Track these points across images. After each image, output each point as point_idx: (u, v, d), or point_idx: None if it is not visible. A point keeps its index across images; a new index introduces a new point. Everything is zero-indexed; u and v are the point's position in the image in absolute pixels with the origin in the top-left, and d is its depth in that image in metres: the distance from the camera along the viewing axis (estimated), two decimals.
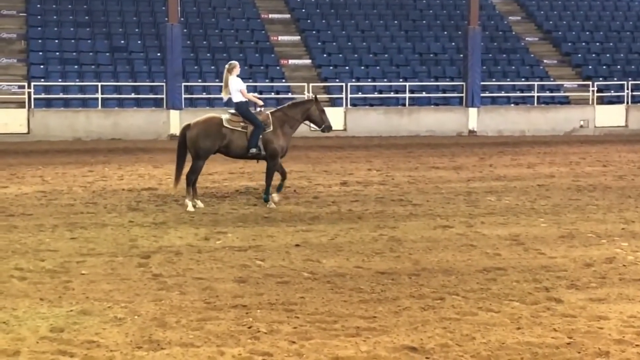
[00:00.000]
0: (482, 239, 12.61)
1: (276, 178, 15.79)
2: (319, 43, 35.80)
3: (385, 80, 34.10)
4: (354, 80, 33.46)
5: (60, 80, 31.40)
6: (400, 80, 34.06)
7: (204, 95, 31.92)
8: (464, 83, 33.06)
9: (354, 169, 21.21)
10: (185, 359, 7.39)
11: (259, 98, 16.31)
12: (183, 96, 30.42)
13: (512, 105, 34.24)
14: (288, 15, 37.64)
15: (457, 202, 16.01)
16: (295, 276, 10.30)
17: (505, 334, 8.09)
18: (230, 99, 15.65)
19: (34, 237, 12.51)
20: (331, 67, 34.44)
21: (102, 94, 30.27)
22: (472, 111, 32.88)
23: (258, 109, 15.71)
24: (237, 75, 15.56)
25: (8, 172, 20.00)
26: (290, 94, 32.78)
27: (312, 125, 16.38)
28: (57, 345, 7.64)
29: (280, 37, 36.07)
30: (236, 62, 15.73)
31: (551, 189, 17.67)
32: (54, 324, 8.27)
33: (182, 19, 32.23)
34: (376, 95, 33.58)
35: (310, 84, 32.23)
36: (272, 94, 32.73)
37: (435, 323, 8.41)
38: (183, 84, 30.71)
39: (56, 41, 33.32)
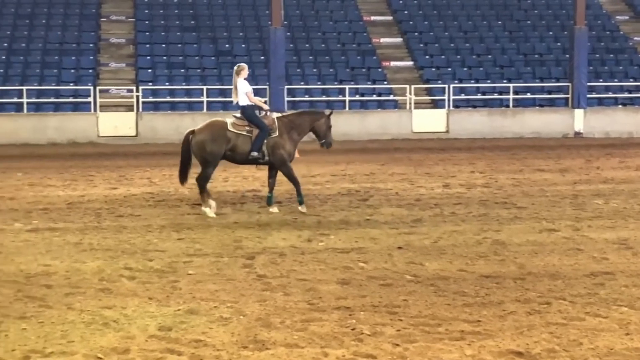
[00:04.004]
0: (589, 243, 12.36)
1: (274, 188, 15.49)
2: (421, 45, 35.63)
3: (488, 81, 33.73)
4: (456, 81, 33.18)
5: (167, 84, 32.08)
6: (504, 81, 33.63)
7: (307, 98, 32.13)
8: (569, 84, 32.44)
9: (457, 171, 21.04)
10: None
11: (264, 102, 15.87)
12: (286, 99, 30.69)
13: (620, 106, 33.43)
14: (390, 17, 37.58)
15: (563, 205, 15.73)
16: (398, 279, 10.28)
17: (614, 340, 7.92)
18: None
19: (143, 238, 12.81)
20: (433, 69, 34.24)
21: (207, 97, 30.79)
22: (578, 112, 32.24)
23: (263, 113, 15.32)
24: (245, 78, 15.21)
25: (117, 174, 20.53)
26: (391, 96, 32.75)
27: (315, 136, 15.80)
28: (165, 344, 7.81)
29: (382, 39, 36.04)
30: (244, 65, 15.39)
31: None
32: (162, 322, 8.45)
33: (285, 22, 32.51)
34: (479, 96, 33.25)
35: (412, 86, 32.10)
36: (374, 96, 32.74)
37: (541, 328, 8.28)
38: (286, 86, 30.99)
39: (163, 46, 34.05)
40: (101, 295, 9.52)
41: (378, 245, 12.28)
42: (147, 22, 35.43)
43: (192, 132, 14.99)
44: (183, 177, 15.09)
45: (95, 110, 30.18)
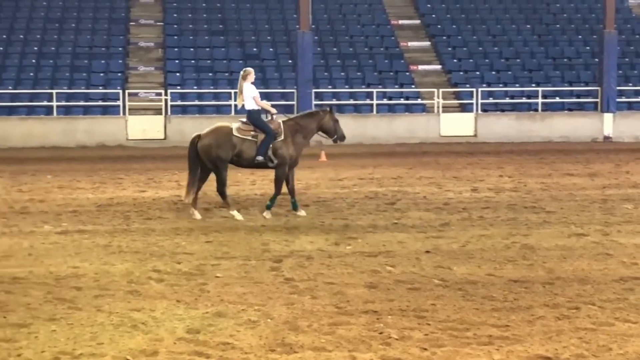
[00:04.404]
0: (618, 248, 12.27)
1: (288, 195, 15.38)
2: (449, 48, 35.56)
3: (517, 85, 33.61)
4: (484, 85, 33.10)
5: (195, 87, 32.22)
6: (533, 85, 33.51)
7: (334, 102, 32.13)
8: (599, 88, 32.26)
9: (485, 175, 20.97)
10: None
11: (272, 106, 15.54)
12: (313, 102, 30.72)
13: None
14: (418, 21, 37.53)
15: (592, 210, 15.63)
16: (426, 283, 10.26)
17: None
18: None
19: (171, 240, 12.87)
20: (461, 73, 34.16)
21: (235, 100, 30.84)
22: (608, 116, 32.05)
23: (270, 117, 15.17)
24: (252, 83, 15.08)
25: (146, 177, 20.65)
26: (419, 99, 32.70)
27: (324, 136, 15.66)
28: (193, 347, 7.83)
29: (410, 43, 36.01)
30: (251, 69, 15.24)
31: None
32: (191, 325, 8.48)
33: (313, 26, 32.56)
34: (508, 100, 33.13)
35: (440, 90, 32.07)
36: (402, 99, 32.71)
37: (570, 333, 8.23)
38: (313, 90, 31.03)
39: (191, 49, 34.22)
40: (130, 297, 9.57)
41: (406, 249, 12.26)
42: (175, 26, 35.62)
43: (198, 136, 14.98)
44: (190, 188, 14.86)
45: (124, 113, 30.40)
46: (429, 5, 38.01)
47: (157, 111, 30.96)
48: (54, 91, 30.61)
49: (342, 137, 15.64)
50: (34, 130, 29.64)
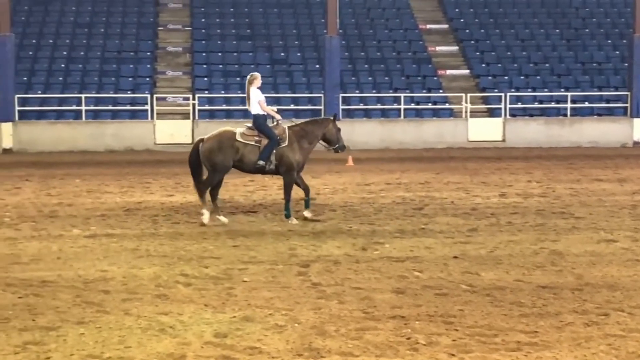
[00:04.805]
0: None
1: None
2: (477, 53, 35.45)
3: (545, 90, 33.45)
4: (513, 90, 32.96)
5: (222, 92, 32.33)
6: (562, 90, 33.33)
7: (361, 106, 32.15)
8: (628, 93, 32.01)
9: (513, 180, 20.86)
10: None
11: (277, 112, 15.56)
12: (340, 107, 30.73)
13: None
14: (446, 26, 37.44)
15: (622, 216, 15.50)
16: (453, 288, 10.21)
17: None
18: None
19: (198, 244, 12.90)
20: (490, 77, 34.04)
21: None
22: (638, 122, 31.80)
23: (275, 122, 15.14)
24: (258, 87, 15.07)
25: (173, 181, 20.73)
26: (447, 104, 32.61)
27: (325, 144, 15.60)
28: (221, 351, 7.84)
29: (437, 48, 35.93)
30: (257, 74, 15.26)
31: None
32: (218, 329, 8.49)
33: (340, 30, 32.57)
34: (536, 105, 32.98)
35: (468, 94, 31.96)
36: (429, 104, 32.64)
37: (599, 340, 8.16)
38: (341, 95, 31.03)
39: (219, 54, 34.34)
40: (158, 301, 9.60)
41: (433, 254, 12.22)
42: (203, 30, 35.76)
43: (202, 140, 14.99)
44: (200, 191, 14.80)
45: (152, 118, 30.55)
46: (457, 10, 37.92)
47: (185, 116, 31.08)
48: (83, 95, 30.83)
49: (343, 147, 15.64)
50: (63, 135, 29.85)
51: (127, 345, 7.98)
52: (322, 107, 30.82)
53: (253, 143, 14.81)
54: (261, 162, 14.76)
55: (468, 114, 31.67)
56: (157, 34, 35.82)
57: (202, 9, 37.08)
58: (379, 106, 32.23)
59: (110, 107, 31.39)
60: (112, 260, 11.77)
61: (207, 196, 14.85)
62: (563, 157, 26.86)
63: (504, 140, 31.30)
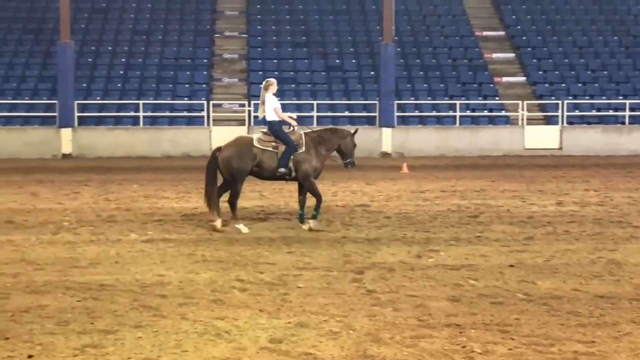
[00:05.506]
0: None
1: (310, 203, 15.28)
2: (534, 60, 35.15)
3: (604, 97, 33.04)
4: (570, 97, 32.62)
5: (278, 99, 32.32)
6: (620, 97, 32.90)
7: (416, 113, 32.05)
8: None
9: (570, 188, 20.64)
10: None
11: (293, 118, 15.47)
12: (395, 114, 30.69)
13: None
14: (502, 33, 37.19)
15: None
16: (509, 297, 10.15)
17: None
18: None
19: (253, 250, 12.98)
20: (547, 84, 33.72)
21: (317, 112, 31.01)
22: None
23: (291, 128, 15.06)
24: (273, 94, 15.09)
25: None
26: (503, 111, 32.38)
27: (337, 156, 15.51)
28: (276, 356, 7.88)
29: (494, 55, 35.69)
30: (273, 80, 15.26)
31: None
32: (273, 335, 8.54)
33: (396, 37, 32.53)
34: (594, 113, 32.58)
35: (525, 102, 31.71)
36: (485, 111, 32.45)
37: None
38: (396, 102, 30.99)
39: (275, 61, 34.51)
40: (213, 306, 9.69)
41: (489, 262, 12.15)
42: (259, 38, 35.97)
43: (219, 149, 15.01)
44: (209, 200, 14.73)
45: (208, 124, 30.80)
46: (513, 17, 37.65)
47: (241, 122, 31.27)
48: (141, 102, 31.20)
49: (353, 164, 15.57)
50: (121, 140, 30.25)
51: (184, 349, 8.07)
52: (376, 114, 30.80)
53: (271, 149, 14.78)
54: (282, 170, 14.73)
55: (524, 121, 31.41)
56: (214, 41, 36.13)
57: (258, 17, 37.31)
58: (434, 113, 32.11)
59: (167, 114, 31.71)
60: (168, 265, 11.90)
61: (218, 203, 14.82)
62: (621, 166, 26.51)
63: (560, 148, 31.00)
